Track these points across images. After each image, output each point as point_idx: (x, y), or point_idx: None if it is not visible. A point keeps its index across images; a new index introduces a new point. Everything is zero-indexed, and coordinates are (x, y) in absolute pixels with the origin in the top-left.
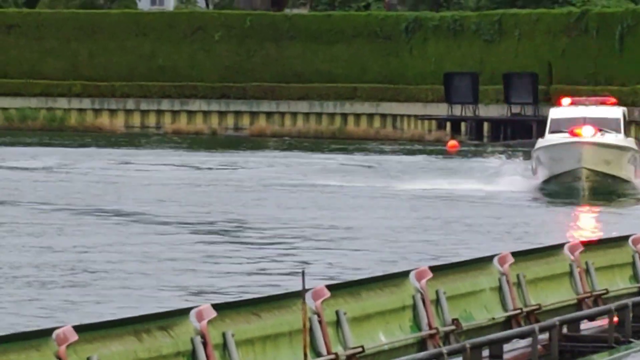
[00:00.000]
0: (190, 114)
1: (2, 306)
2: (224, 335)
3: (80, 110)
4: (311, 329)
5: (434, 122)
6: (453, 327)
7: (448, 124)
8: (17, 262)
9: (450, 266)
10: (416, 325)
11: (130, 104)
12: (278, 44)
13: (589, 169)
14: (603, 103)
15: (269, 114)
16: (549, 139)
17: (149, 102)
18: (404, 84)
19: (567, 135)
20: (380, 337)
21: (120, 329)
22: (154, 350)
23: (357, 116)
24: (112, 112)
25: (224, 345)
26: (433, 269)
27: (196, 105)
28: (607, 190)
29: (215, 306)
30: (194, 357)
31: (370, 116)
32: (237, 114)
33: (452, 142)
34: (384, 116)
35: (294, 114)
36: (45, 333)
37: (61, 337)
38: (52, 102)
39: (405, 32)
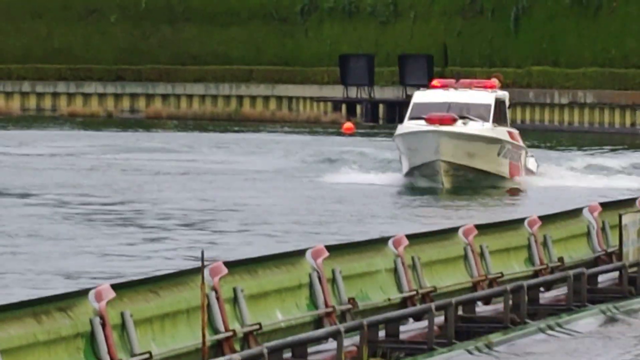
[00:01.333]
0: (86, 96)
1: None
2: (122, 315)
3: None
4: (209, 306)
5: (329, 104)
6: (349, 306)
7: (344, 106)
8: None
9: (346, 246)
10: (313, 303)
11: (26, 86)
12: (173, 26)
13: (447, 162)
14: (485, 87)
15: (164, 97)
16: (407, 125)
17: (45, 84)
18: (300, 66)
19: (424, 122)
20: (277, 315)
21: (19, 311)
22: (53, 332)
23: (253, 98)
24: (8, 94)
25: (123, 325)
26: (329, 248)
27: (92, 87)
28: (473, 186)
29: (114, 286)
30: (93, 338)
31: (266, 98)
32: (133, 96)
33: (348, 125)
34: (279, 98)
35: (190, 97)
36: None
37: None
38: None
39: (301, 13)
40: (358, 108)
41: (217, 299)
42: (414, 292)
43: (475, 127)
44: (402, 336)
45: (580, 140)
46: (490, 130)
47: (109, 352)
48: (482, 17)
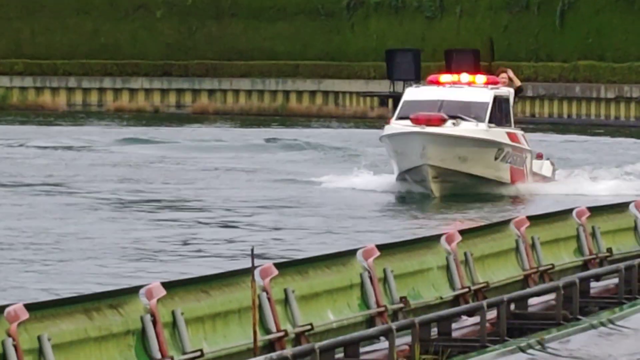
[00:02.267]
0: (132, 91)
1: None
2: (173, 313)
3: (22, 88)
4: (260, 307)
5: (376, 99)
6: (401, 305)
7: (390, 101)
8: None
9: (398, 245)
10: (364, 303)
11: (72, 82)
12: (220, 22)
13: (434, 167)
14: (491, 82)
15: (211, 92)
16: (393, 126)
17: (91, 80)
18: (346, 61)
19: (409, 122)
20: (329, 315)
21: (70, 307)
22: (104, 328)
23: (300, 93)
24: (54, 90)
25: (174, 324)
26: (380, 247)
27: (138, 83)
28: (468, 194)
29: (165, 284)
30: (144, 336)
31: (313, 93)
32: (180, 91)
33: None
34: (326, 93)
35: (236, 92)
36: None
37: (12, 315)
38: None
39: (347, 9)
40: None
41: (268, 299)
42: (467, 289)
43: (468, 127)
44: (454, 334)
45: (625, 134)
46: (484, 132)
47: (160, 350)
48: (528, 11)
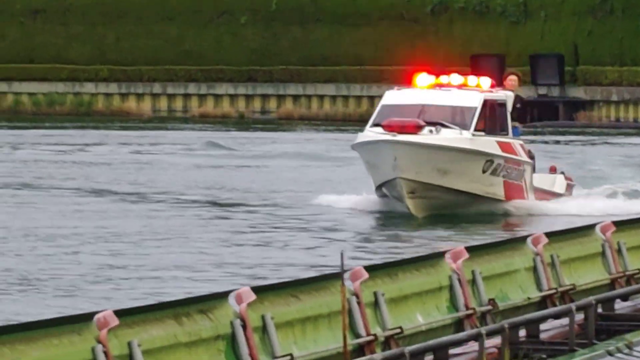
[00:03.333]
0: (217, 97)
1: (42, 291)
2: (263, 317)
3: (107, 94)
4: (350, 311)
5: None
6: (490, 307)
7: None
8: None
9: (485, 247)
10: (453, 305)
11: (157, 88)
12: (304, 27)
13: (409, 180)
14: (493, 86)
15: (295, 97)
16: (366, 134)
17: (176, 86)
18: (431, 66)
19: (381, 130)
20: (418, 318)
21: (160, 312)
22: (194, 333)
23: None
24: (139, 96)
25: (264, 328)
26: (469, 249)
27: (223, 88)
28: (452, 212)
29: (255, 289)
30: (234, 340)
31: None
32: (264, 97)
33: None
34: None
35: (321, 97)
36: (87, 317)
37: (102, 322)
38: (79, 87)
39: (432, 14)
40: None
41: (358, 303)
42: (554, 291)
43: (448, 136)
44: (542, 336)
45: None
46: (467, 141)
47: (250, 354)
48: (613, 16)
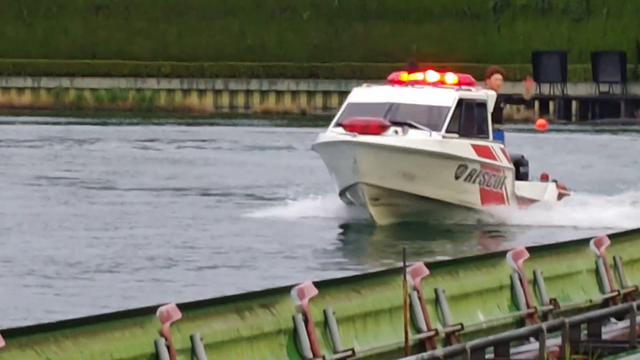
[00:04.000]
0: (279, 93)
1: (105, 285)
2: (325, 312)
3: (169, 90)
4: (411, 306)
5: None
6: (551, 306)
7: (536, 103)
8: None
9: (547, 247)
10: (514, 304)
11: (219, 84)
12: (366, 23)
13: (371, 185)
14: (467, 83)
15: None
16: (327, 134)
17: (238, 82)
18: (492, 63)
19: (342, 130)
20: (479, 316)
21: (222, 306)
22: (256, 327)
23: None
24: (201, 92)
25: (325, 323)
26: (530, 249)
27: (285, 85)
28: (428, 221)
29: (317, 283)
30: (296, 335)
31: None
32: (326, 93)
33: (541, 121)
34: None
35: None
36: (150, 311)
37: (165, 315)
38: (141, 82)
39: (494, 10)
40: (551, 105)
41: (419, 299)
42: (616, 293)
43: (415, 137)
44: (604, 336)
45: None
46: (437, 143)
47: (312, 349)
48: None
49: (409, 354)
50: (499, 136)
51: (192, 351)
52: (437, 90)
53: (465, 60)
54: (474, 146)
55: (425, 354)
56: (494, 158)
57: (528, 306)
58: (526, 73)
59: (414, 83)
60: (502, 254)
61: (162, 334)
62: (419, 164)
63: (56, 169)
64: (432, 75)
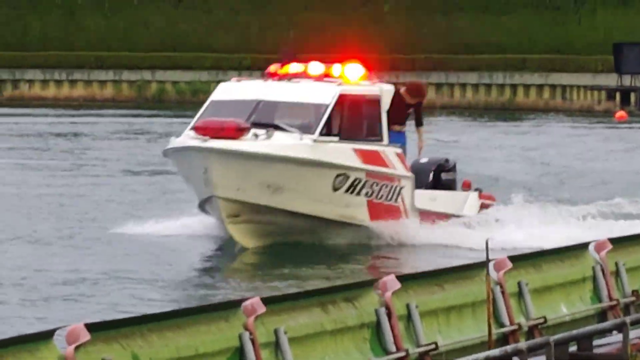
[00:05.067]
0: None
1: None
2: (407, 306)
3: None
4: (494, 300)
5: (603, 93)
6: (633, 298)
7: (617, 95)
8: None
9: (629, 238)
10: (596, 296)
11: None
12: (447, 16)
13: (228, 200)
14: (368, 77)
15: (438, 86)
16: (180, 138)
17: None
18: (573, 54)
19: (193, 134)
20: (562, 308)
21: (306, 300)
22: (340, 321)
23: (527, 87)
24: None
25: (408, 317)
26: (612, 240)
27: None
28: (305, 241)
29: (399, 277)
30: (379, 329)
31: (540, 87)
32: None
33: (621, 113)
34: (553, 87)
35: (463, 86)
36: (234, 305)
37: (249, 309)
38: (222, 75)
39: (574, 2)
40: (632, 97)
41: (502, 292)
42: None
43: (280, 141)
44: None
45: None
46: (306, 148)
47: (395, 343)
48: None
49: (492, 348)
50: (398, 139)
51: (276, 345)
52: (315, 85)
53: (546, 52)
54: (357, 151)
55: (508, 347)
56: (384, 165)
57: (610, 298)
58: (606, 64)
59: (291, 77)
60: (585, 246)
61: (246, 328)
62: (285, 173)
63: (138, 162)
64: (315, 67)
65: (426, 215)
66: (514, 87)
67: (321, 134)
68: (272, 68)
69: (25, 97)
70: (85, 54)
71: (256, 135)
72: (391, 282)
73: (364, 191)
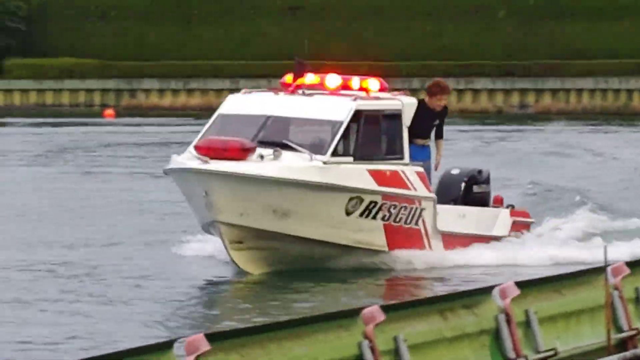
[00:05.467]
0: (475, 92)
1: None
2: (526, 312)
3: None
4: (612, 305)
5: None
6: None
7: None
8: None
9: None
10: None
11: (415, 83)
12: (560, 21)
13: (231, 225)
14: (384, 89)
15: (554, 91)
16: (180, 157)
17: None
18: None
19: (194, 153)
20: None
21: (425, 307)
22: (458, 328)
23: None
24: (399, 91)
25: (527, 323)
26: None
27: (481, 83)
28: (317, 267)
29: (519, 283)
30: (498, 335)
31: None
32: (522, 91)
33: None
34: None
35: (579, 91)
36: (354, 313)
37: (369, 317)
38: None
39: None
40: None
41: (620, 298)
42: None
43: (288, 163)
44: None
45: None
46: (316, 170)
47: (514, 349)
48: None
49: (612, 354)
50: (422, 155)
51: (396, 352)
52: (329, 99)
53: None
54: (372, 172)
55: (627, 353)
56: (403, 186)
57: None
58: None
59: (305, 89)
60: None
61: (366, 336)
62: (293, 197)
63: None
64: (332, 79)
65: (449, 238)
66: (629, 92)
67: (333, 154)
68: (287, 78)
69: (142, 106)
70: (201, 62)
71: (262, 156)
72: (510, 288)
73: (380, 214)
